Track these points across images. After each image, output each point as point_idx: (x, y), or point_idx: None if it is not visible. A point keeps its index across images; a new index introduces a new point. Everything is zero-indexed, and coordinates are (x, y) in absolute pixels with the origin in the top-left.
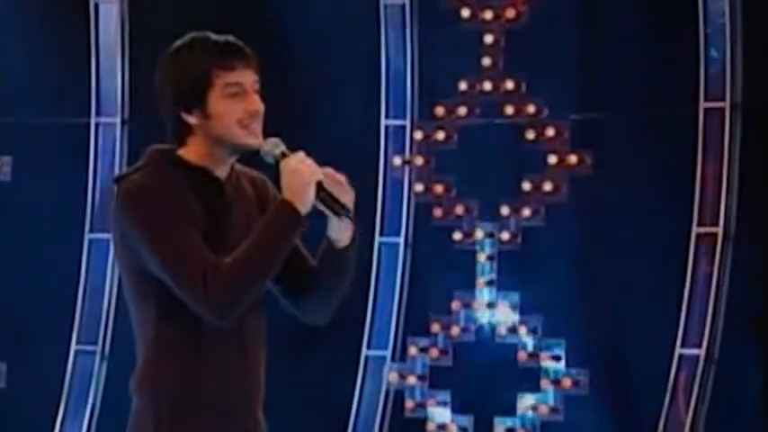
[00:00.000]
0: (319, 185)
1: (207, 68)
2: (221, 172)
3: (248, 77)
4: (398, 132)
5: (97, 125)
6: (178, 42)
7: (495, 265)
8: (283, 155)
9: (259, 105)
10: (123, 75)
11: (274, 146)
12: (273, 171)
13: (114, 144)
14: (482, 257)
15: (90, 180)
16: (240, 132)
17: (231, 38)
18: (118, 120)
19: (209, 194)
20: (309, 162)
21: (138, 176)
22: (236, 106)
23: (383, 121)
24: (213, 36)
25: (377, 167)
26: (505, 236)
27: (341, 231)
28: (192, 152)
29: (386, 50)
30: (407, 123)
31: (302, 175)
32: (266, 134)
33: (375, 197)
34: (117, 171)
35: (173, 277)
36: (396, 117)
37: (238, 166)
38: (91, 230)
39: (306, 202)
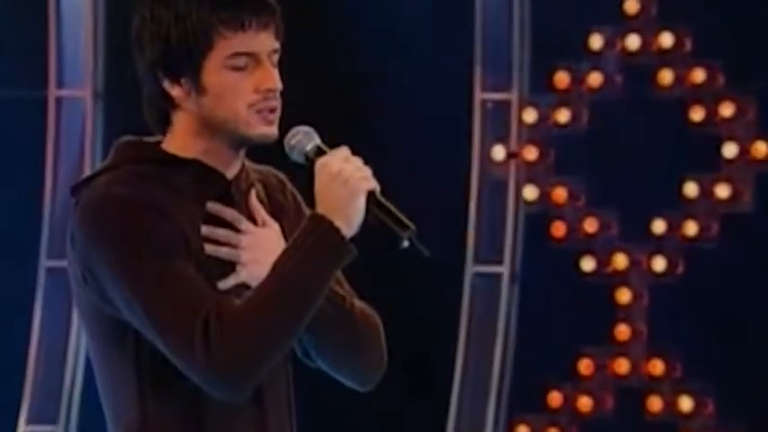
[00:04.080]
0: (371, 196)
1: (207, 22)
2: (228, 170)
3: (264, 44)
4: (500, 111)
5: (58, 100)
6: None
7: (644, 306)
8: (319, 151)
9: (276, 82)
10: (96, 31)
11: (306, 137)
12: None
13: (83, 127)
14: (625, 296)
15: (48, 181)
16: (252, 119)
17: None
18: (88, 93)
19: (210, 200)
20: (357, 162)
21: (104, 182)
22: (242, 82)
23: (477, 95)
24: None
25: (468, 162)
26: (660, 264)
27: None
28: (179, 146)
29: None
30: (514, 98)
31: (348, 182)
32: (298, 122)
33: (466, 207)
34: (88, 166)
35: (159, 334)
36: (496, 89)
37: (247, 163)
38: (49, 256)
39: (352, 220)
